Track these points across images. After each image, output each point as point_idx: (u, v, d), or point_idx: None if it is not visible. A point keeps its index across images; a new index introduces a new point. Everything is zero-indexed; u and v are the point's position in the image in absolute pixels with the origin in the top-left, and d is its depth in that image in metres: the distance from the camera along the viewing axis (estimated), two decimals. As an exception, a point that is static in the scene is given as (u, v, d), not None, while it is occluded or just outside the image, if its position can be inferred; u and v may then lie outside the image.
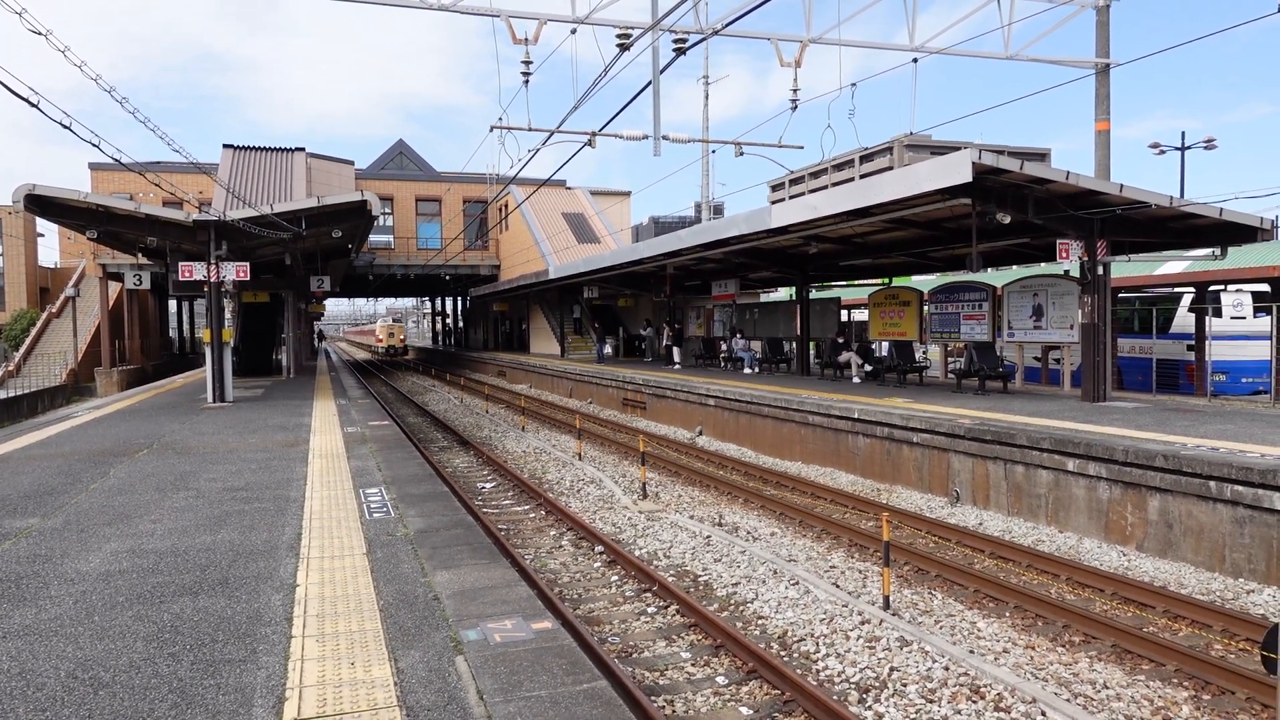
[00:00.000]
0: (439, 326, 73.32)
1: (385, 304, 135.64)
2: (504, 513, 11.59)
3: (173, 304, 51.16)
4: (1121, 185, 12.26)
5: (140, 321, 40.82)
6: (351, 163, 46.64)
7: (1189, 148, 33.57)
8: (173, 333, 53.01)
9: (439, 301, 71.59)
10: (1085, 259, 13.44)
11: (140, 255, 24.50)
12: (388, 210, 47.38)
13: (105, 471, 10.27)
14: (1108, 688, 5.97)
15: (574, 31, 14.15)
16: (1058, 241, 13.46)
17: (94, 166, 41.60)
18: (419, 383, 39.89)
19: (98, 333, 35.49)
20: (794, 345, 24.48)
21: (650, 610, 7.60)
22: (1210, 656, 6.21)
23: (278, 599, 5.60)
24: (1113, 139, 17.75)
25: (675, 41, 13.27)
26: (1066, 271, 15.65)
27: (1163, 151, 34.33)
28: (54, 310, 39.83)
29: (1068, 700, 5.78)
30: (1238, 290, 19.19)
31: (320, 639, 4.90)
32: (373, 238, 43.25)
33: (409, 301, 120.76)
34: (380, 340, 77.33)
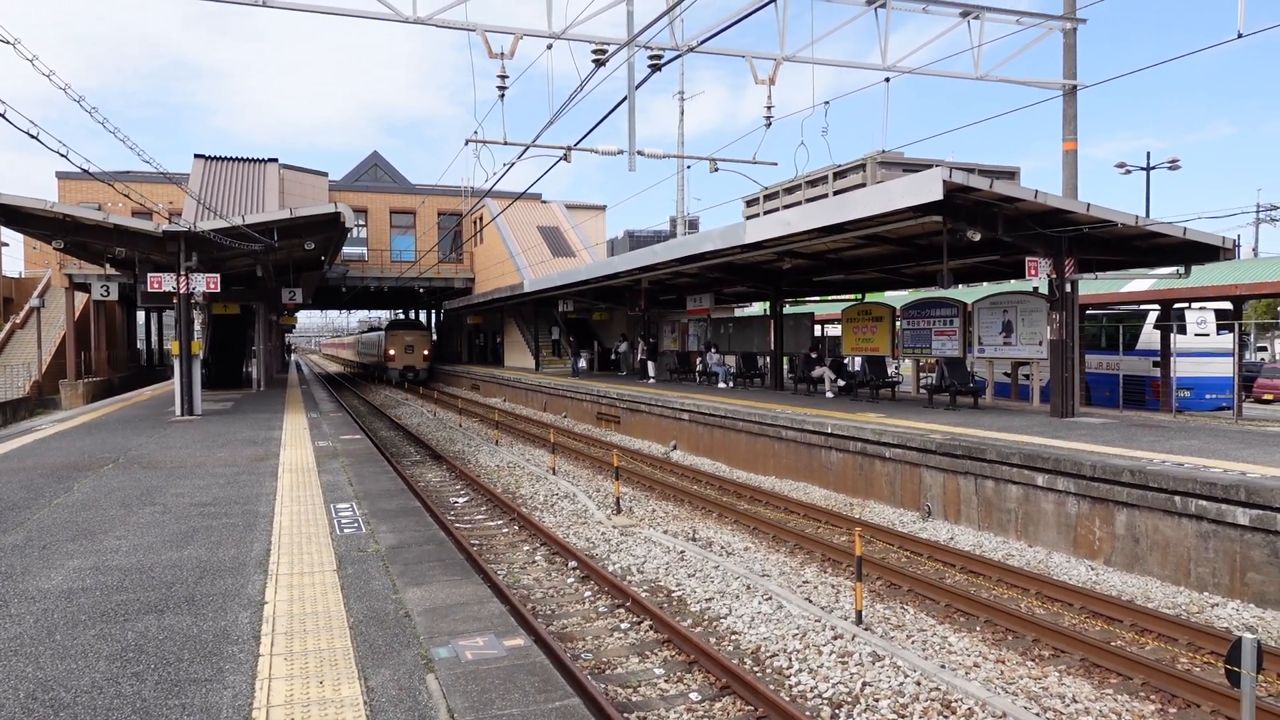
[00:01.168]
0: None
1: (358, 316, 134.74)
2: (477, 528, 11.51)
3: (141, 315, 50.42)
4: (1089, 204, 12.49)
5: (107, 333, 40.18)
6: (325, 174, 46.36)
7: (1154, 168, 34.27)
8: (140, 344, 52.21)
9: (413, 314, 71.18)
10: (1054, 276, 13.65)
11: (108, 266, 24.14)
12: (361, 222, 47.10)
13: (69, 486, 10.07)
14: (1076, 701, 6.03)
15: (550, 47, 14.22)
16: (1027, 259, 13.67)
17: (61, 175, 40.99)
18: (391, 396, 39.58)
19: (63, 344, 34.87)
20: (768, 360, 24.60)
21: (623, 626, 7.57)
22: (1176, 670, 6.29)
23: (245, 616, 5.52)
24: (1081, 158, 18.10)
25: (651, 58, 13.37)
26: (1035, 288, 15.89)
27: (1128, 171, 35.02)
28: (18, 321, 39.08)
29: (1037, 715, 5.83)
30: (1201, 308, 19.58)
31: (289, 657, 4.83)
32: (346, 249, 42.99)
33: (382, 314, 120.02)
34: (391, 356, 45.17)
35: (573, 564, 9.46)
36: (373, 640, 5.16)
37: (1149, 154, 34.30)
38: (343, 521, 8.38)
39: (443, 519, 11.34)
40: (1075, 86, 17.06)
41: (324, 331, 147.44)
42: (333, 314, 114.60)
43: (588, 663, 6.74)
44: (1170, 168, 34.88)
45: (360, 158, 58.78)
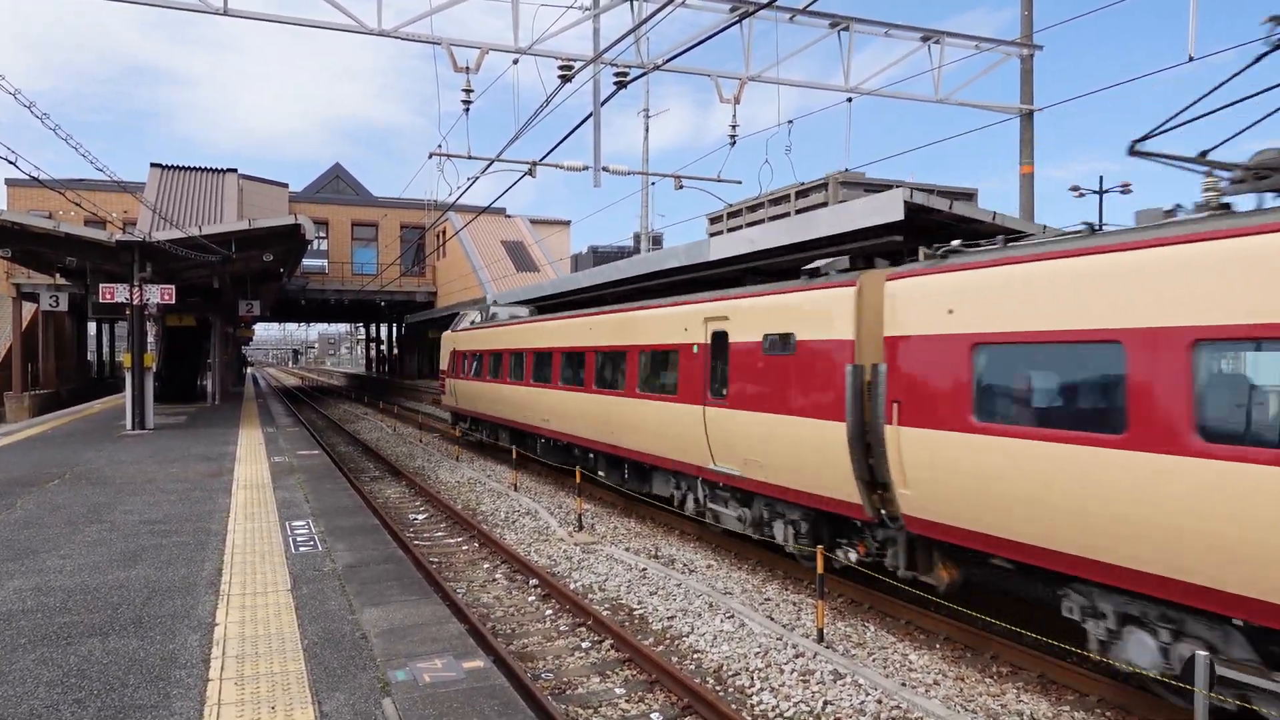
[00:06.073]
0: (373, 353, 72.03)
1: (318, 329, 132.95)
2: (436, 545, 11.34)
3: (92, 326, 49.21)
4: (1045, 227, 12.73)
5: (56, 344, 39.13)
6: (285, 185, 45.78)
7: (1107, 191, 35.15)
8: (91, 356, 50.93)
9: (374, 328, 70.42)
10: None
11: (58, 275, 23.55)
12: (322, 234, 46.56)
13: (10, 503, 9.75)
14: (1034, 719, 6.08)
15: (516, 62, 14.19)
16: (984, 279, 13.86)
17: (10, 183, 39.99)
18: (350, 410, 39.02)
19: (9, 356, 33.87)
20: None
21: (585, 645, 7.49)
22: (1130, 687, 6.38)
23: (195, 639, 5.36)
24: (1041, 179, 18.54)
25: (616, 75, 13.42)
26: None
27: (1082, 194, 35.88)
28: (-39, 331, 37.90)
29: (996, 732, 5.87)
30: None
31: (239, 682, 4.70)
32: (307, 261, 42.40)
33: (342, 327, 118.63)
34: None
35: (534, 582, 9.36)
36: (327, 663, 5.04)
37: (1101, 178, 35.19)
38: (298, 539, 8.21)
39: (401, 537, 11.16)
40: (1031, 111, 17.44)
41: (283, 344, 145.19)
42: (291, 326, 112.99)
43: (548, 683, 6.65)
44: (1122, 192, 35.79)
45: (322, 169, 58.32)
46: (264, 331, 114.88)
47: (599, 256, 44.65)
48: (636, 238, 43.22)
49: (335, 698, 4.51)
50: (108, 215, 19.30)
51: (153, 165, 39.98)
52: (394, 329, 62.21)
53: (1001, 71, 16.33)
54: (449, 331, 22.91)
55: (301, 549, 7.84)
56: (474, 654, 5.36)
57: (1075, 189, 36.97)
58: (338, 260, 47.37)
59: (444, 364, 23.40)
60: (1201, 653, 5.05)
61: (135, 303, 17.25)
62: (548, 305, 23.08)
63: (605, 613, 8.28)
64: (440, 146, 17.88)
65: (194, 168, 40.96)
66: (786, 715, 6.11)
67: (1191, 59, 11.56)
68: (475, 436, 21.43)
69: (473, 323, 21.38)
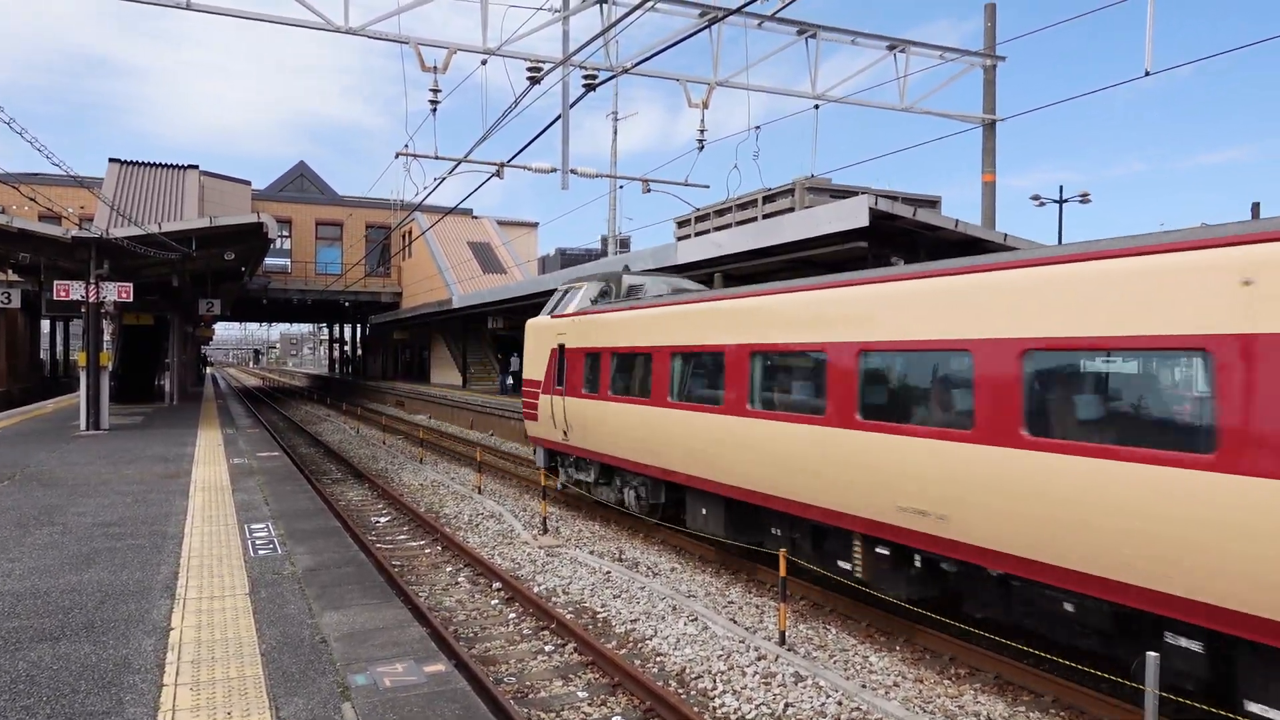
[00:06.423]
0: (336, 354, 71.20)
1: (280, 329, 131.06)
2: (399, 549, 11.24)
3: (46, 324, 48.05)
4: (1005, 235, 12.98)
5: (9, 342, 38.14)
6: (248, 183, 45.09)
7: (1066, 201, 35.86)
8: (45, 355, 49.72)
9: (337, 328, 69.60)
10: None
11: (10, 272, 22.98)
12: (286, 233, 45.94)
13: (-41, 505, 9.49)
14: (991, 719, 6.18)
15: (484, 62, 14.13)
16: (947, 286, 14.07)
17: (-39, 176, 38.94)
18: (313, 412, 38.53)
19: (-42, 353, 32.97)
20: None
21: (548, 649, 7.47)
22: (1082, 686, 6.51)
23: (149, 644, 5.27)
24: (1003, 188, 18.85)
25: (585, 77, 13.41)
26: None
27: (1043, 204, 36.57)
28: (-92, 328, 36.81)
29: (953, 732, 5.96)
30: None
31: (194, 687, 4.62)
32: (269, 260, 41.78)
33: (305, 327, 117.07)
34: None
35: (497, 585, 9.32)
36: (286, 668, 4.98)
37: (1061, 188, 35.95)
38: (257, 542, 8.10)
39: (363, 540, 11.05)
40: (994, 121, 17.74)
41: (244, 344, 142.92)
42: (252, 326, 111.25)
43: (510, 687, 6.62)
44: (1081, 201, 36.55)
45: (286, 166, 57.18)
46: (224, 331, 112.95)
47: (567, 259, 44.59)
48: (604, 240, 43.25)
49: (294, 703, 4.46)
50: (63, 210, 18.87)
51: (111, 160, 39.17)
52: (358, 330, 61.56)
53: (966, 81, 16.59)
54: (545, 317, 14.32)
55: (260, 552, 7.73)
56: (436, 658, 5.33)
57: (1036, 198, 37.66)
58: (301, 260, 46.77)
59: (531, 369, 14.60)
60: (1152, 654, 5.17)
61: (91, 300, 16.89)
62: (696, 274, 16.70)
63: (569, 616, 8.27)
64: (407, 146, 17.76)
65: (154, 164, 40.21)
66: (748, 717, 6.15)
67: (1148, 73, 11.85)
68: (601, 495, 12.63)
69: (595, 301, 13.24)
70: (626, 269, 15.19)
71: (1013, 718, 6.23)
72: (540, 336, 14.22)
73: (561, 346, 13.30)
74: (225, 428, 19.43)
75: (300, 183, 50.53)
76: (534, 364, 14.38)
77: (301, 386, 67.83)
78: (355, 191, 51.74)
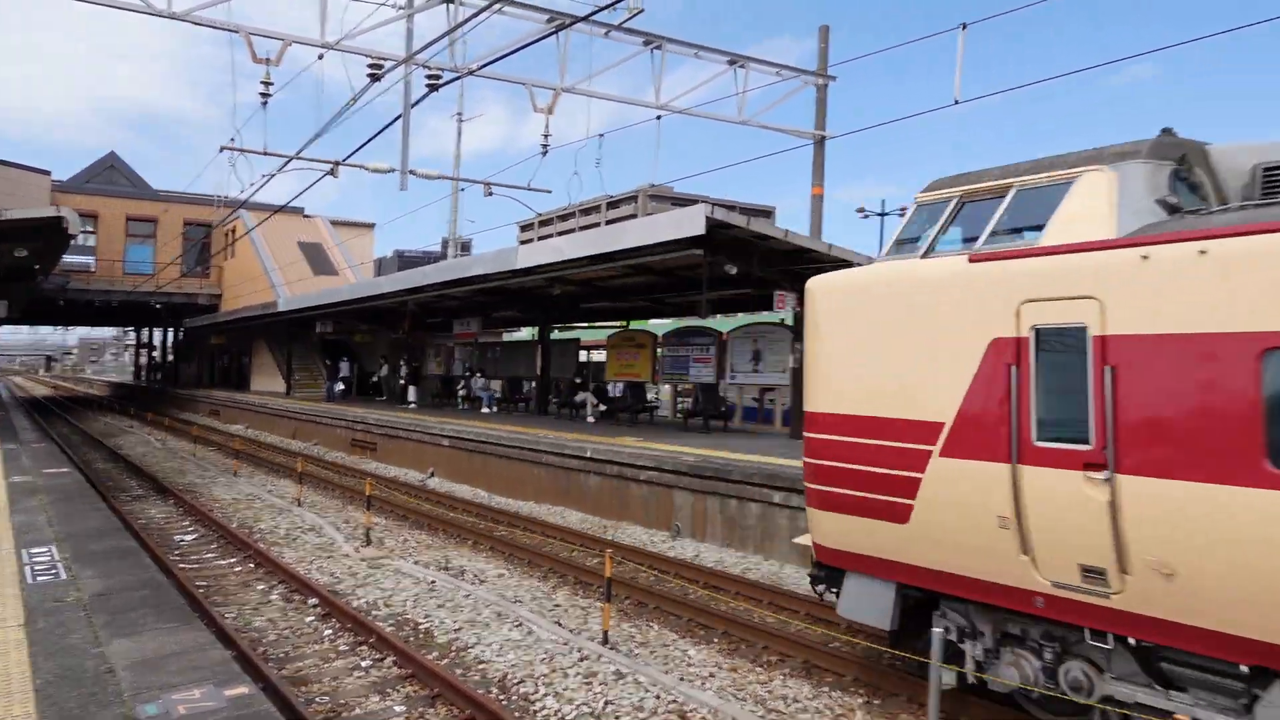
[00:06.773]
0: (145, 360, 65.73)
1: (79, 333, 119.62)
2: (206, 568, 10.55)
3: None
4: (830, 245, 13.75)
5: None
6: (48, 173, 40.78)
7: (888, 214, 38.51)
8: None
9: (147, 332, 64.28)
10: (798, 309, 14.89)
11: None
12: (90, 228, 41.98)
13: None
14: (797, 701, 6.55)
15: (321, 57, 13.52)
16: (775, 292, 14.79)
17: None
18: (114, 423, 35.38)
19: None
20: (534, 385, 24.71)
21: (365, 664, 7.24)
22: (881, 666, 7.02)
23: (-107, 686, 4.70)
24: (832, 200, 20.23)
25: (429, 77, 13.05)
26: (782, 320, 17.20)
27: (867, 216, 39.07)
28: None
29: (762, 717, 6.27)
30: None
31: (-54, 730, 4.17)
32: (70, 258, 37.96)
33: (109, 331, 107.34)
34: None
35: (313, 601, 8.93)
36: (63, 703, 4.60)
37: (884, 201, 38.57)
38: (37, 568, 7.39)
39: (165, 560, 10.28)
40: (824, 137, 18.73)
41: (34, 349, 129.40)
42: (45, 330, 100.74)
43: (322, 706, 6.37)
44: (901, 215, 39.27)
45: (95, 157, 52.13)
46: (10, 336, 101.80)
47: (405, 261, 43.37)
48: (445, 243, 42.32)
49: (67, 738, 4.12)
50: None
51: None
52: (170, 334, 57.13)
53: (801, 98, 17.38)
54: (918, 262, 5.91)
55: (40, 578, 7.06)
56: (239, 680, 5.06)
57: (861, 210, 40.07)
58: (108, 258, 42.90)
59: (818, 391, 6.40)
60: (937, 630, 5.65)
61: None
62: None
63: (389, 629, 8.05)
64: (233, 140, 16.75)
65: (-79, 147, 35.76)
66: (569, 718, 6.21)
67: (957, 102, 12.95)
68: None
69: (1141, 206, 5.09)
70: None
71: (818, 697, 6.63)
72: (902, 313, 5.91)
73: (1037, 334, 5.19)
74: (7, 443, 17.54)
75: (110, 174, 46.41)
76: (820, 380, 6.47)
77: (101, 396, 62.03)
78: (176, 186, 48.05)
